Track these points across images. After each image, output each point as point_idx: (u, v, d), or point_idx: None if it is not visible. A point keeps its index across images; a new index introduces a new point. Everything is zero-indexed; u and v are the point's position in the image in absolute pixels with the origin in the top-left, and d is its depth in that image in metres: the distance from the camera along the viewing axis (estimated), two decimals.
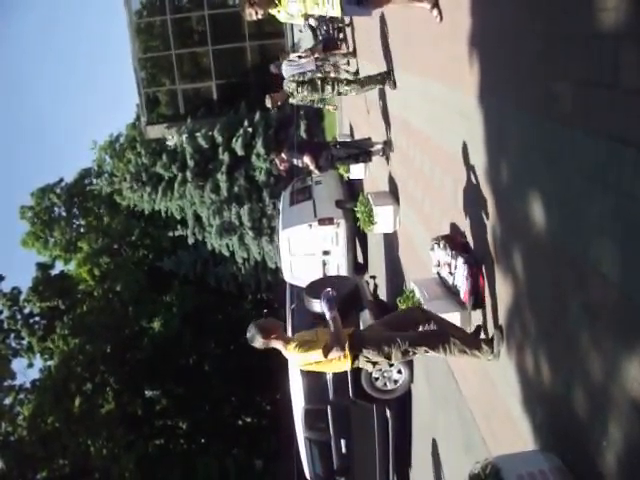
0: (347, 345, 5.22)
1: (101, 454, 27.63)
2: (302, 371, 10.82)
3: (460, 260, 6.10)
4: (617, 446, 3.59)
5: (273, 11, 7.07)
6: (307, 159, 10.54)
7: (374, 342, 5.32)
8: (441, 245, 6.52)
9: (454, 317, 6.43)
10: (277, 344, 5.39)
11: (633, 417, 3.39)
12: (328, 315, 5.09)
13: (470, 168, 6.05)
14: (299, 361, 5.42)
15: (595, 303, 3.71)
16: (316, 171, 10.73)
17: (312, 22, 15.47)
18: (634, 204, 3.19)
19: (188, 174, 22.74)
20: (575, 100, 3.77)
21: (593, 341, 3.78)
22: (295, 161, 11.01)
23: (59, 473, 27.41)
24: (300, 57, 12.55)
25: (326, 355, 5.17)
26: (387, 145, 10.67)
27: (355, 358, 5.33)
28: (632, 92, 3.14)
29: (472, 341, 5.56)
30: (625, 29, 3.19)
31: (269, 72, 13.81)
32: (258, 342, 5.35)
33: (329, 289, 5.34)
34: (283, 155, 11.32)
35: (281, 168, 11.61)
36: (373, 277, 13.77)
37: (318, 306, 9.29)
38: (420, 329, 5.66)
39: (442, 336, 5.42)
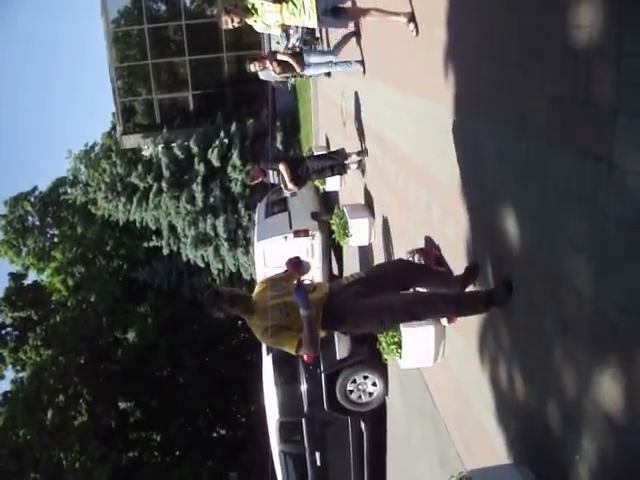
0: (320, 326, 4.74)
1: (74, 467, 27.29)
2: (277, 384, 10.80)
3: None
4: (590, 460, 3.60)
5: (250, 21, 7.07)
6: (282, 167, 10.47)
7: (351, 320, 4.86)
8: (416, 258, 6.52)
9: (428, 331, 6.45)
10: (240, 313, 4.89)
11: (605, 431, 3.40)
12: (302, 312, 4.52)
13: (445, 182, 6.07)
14: (258, 330, 4.86)
15: (569, 318, 3.73)
16: (290, 185, 10.58)
17: (290, 33, 15.53)
18: (607, 220, 3.21)
19: (163, 184, 22.62)
20: (549, 115, 3.80)
21: (567, 355, 3.80)
22: (271, 174, 10.95)
23: None
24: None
25: (297, 352, 4.74)
26: (362, 154, 10.70)
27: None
28: (604, 108, 3.17)
29: (464, 302, 5.07)
30: (598, 46, 3.22)
31: (246, 83, 13.95)
32: (218, 312, 4.84)
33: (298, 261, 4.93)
34: (261, 167, 11.25)
35: (252, 182, 11.69)
36: None
37: None
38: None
39: (428, 304, 4.97)
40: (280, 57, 10.42)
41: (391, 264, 5.66)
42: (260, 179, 11.17)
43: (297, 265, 4.94)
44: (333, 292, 4.97)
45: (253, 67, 10.58)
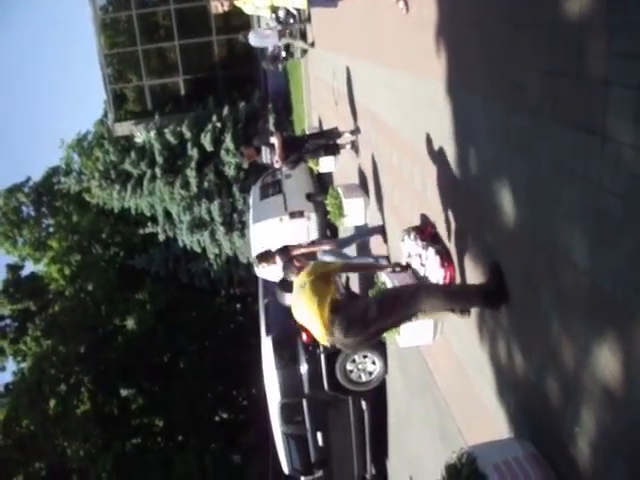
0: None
1: (78, 455, 27.39)
2: (277, 365, 10.82)
3: (431, 251, 6.11)
4: (589, 431, 3.63)
5: (239, 3, 7.03)
6: (276, 138, 10.36)
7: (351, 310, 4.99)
8: (411, 236, 6.53)
9: None
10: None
11: (604, 403, 3.43)
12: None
13: (439, 159, 6.07)
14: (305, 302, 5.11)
15: (566, 291, 3.74)
16: (278, 158, 10.35)
17: (280, 14, 15.47)
18: (601, 192, 3.21)
19: (157, 171, 22.53)
20: (542, 90, 3.79)
21: (564, 329, 3.81)
22: (264, 152, 10.83)
23: (36, 477, 27.12)
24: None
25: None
26: (355, 134, 10.68)
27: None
28: (595, 82, 3.16)
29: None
30: (588, 20, 3.21)
31: (237, 66, 13.84)
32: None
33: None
34: (254, 144, 11.10)
35: (247, 161, 11.44)
36: None
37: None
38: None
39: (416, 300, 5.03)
40: (296, 252, 8.94)
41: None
42: (254, 158, 11.06)
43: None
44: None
45: (261, 267, 9.20)
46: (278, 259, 8.59)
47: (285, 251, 8.67)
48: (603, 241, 3.28)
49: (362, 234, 10.33)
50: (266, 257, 8.82)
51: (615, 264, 3.19)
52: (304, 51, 15.97)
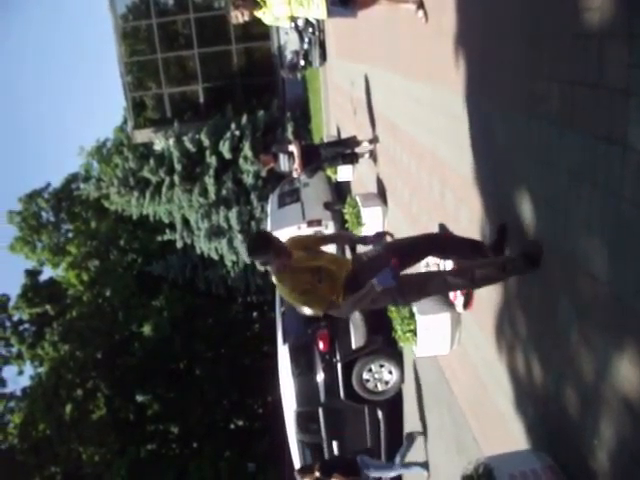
0: (342, 291, 4.72)
1: (93, 460, 27.55)
2: (293, 374, 10.82)
3: (449, 260, 6.09)
4: (608, 444, 3.59)
5: (258, 13, 7.05)
6: (294, 147, 10.46)
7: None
8: None
9: (444, 318, 6.45)
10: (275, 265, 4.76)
11: (624, 415, 3.39)
12: (377, 287, 4.37)
13: (457, 169, 6.05)
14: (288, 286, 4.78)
15: (584, 302, 3.71)
16: (297, 166, 10.51)
17: (299, 24, 15.56)
18: (622, 203, 3.19)
19: (176, 178, 22.64)
20: (561, 99, 3.78)
21: (583, 340, 3.79)
22: (282, 160, 10.88)
23: None
24: None
25: (325, 312, 4.73)
26: (373, 143, 10.69)
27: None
28: (615, 91, 3.15)
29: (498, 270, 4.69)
30: (608, 28, 3.20)
31: (256, 75, 13.93)
32: (262, 257, 4.81)
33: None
34: (272, 151, 11.15)
35: (264, 167, 11.47)
36: None
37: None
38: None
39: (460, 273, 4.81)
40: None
41: (416, 236, 5.63)
42: (271, 165, 11.09)
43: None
44: (357, 269, 5.02)
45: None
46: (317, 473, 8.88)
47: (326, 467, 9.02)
48: (623, 252, 3.26)
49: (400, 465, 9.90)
50: (306, 472, 9.09)
51: (635, 275, 3.16)
52: (322, 56, 16.00)
